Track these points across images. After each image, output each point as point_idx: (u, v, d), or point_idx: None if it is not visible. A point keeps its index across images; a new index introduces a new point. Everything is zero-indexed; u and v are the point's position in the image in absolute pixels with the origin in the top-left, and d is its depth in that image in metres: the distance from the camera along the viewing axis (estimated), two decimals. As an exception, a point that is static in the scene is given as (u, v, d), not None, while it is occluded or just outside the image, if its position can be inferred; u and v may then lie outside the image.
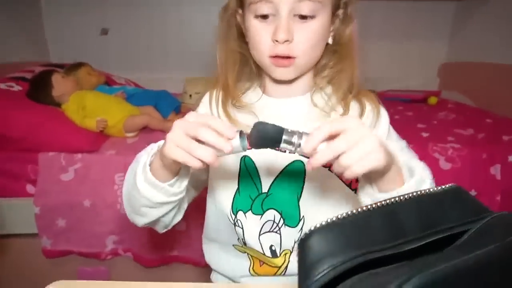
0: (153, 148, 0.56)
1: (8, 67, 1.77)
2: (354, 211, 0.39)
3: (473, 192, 1.41)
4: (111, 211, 1.34)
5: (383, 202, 0.40)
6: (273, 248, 0.65)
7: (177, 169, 0.52)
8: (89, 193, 1.34)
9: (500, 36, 2.01)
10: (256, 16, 0.57)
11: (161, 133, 1.59)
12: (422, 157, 1.44)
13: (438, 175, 1.47)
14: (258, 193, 0.65)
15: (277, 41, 0.56)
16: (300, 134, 0.44)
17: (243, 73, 0.68)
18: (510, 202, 1.43)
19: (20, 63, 1.91)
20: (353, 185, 0.62)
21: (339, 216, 0.37)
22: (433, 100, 2.20)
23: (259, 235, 0.65)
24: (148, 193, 0.53)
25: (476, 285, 0.33)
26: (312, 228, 0.36)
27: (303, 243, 0.36)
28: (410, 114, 1.96)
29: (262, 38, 0.58)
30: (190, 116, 0.46)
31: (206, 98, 0.70)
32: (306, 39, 0.57)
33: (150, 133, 1.58)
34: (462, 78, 2.32)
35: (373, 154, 0.41)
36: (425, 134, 1.57)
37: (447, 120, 1.82)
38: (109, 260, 1.39)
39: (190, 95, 2.01)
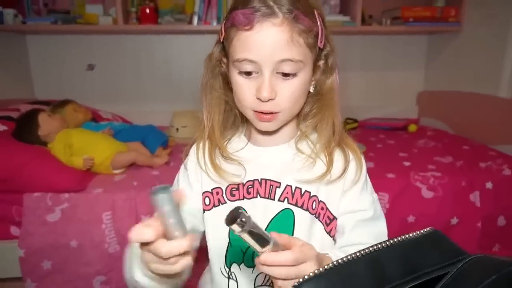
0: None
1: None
2: (340, 260, 0.41)
3: (455, 220, 1.46)
4: (98, 250, 1.33)
5: (366, 250, 0.42)
6: None
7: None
8: (76, 233, 1.32)
9: (471, 66, 2.13)
10: (240, 73, 0.59)
11: (149, 168, 1.60)
12: (404, 186, 1.49)
13: (421, 203, 1.51)
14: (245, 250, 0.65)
15: (260, 99, 0.58)
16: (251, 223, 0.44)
17: (228, 120, 0.69)
18: (490, 228, 1.48)
19: (5, 101, 1.91)
20: (332, 232, 0.64)
21: (326, 267, 0.40)
22: (412, 127, 2.28)
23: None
24: (145, 284, 0.52)
25: None
26: (301, 280, 0.39)
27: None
28: (391, 142, 2.03)
29: (246, 94, 0.59)
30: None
31: (193, 150, 0.70)
32: (289, 95, 0.59)
33: (138, 169, 1.58)
34: (439, 106, 2.42)
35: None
36: (406, 163, 1.62)
37: (427, 148, 1.89)
38: (96, 302, 1.36)
39: (177, 129, 2.03)
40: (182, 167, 0.72)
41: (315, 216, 0.63)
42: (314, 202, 0.63)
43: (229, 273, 0.67)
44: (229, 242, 0.66)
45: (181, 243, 0.40)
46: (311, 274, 0.39)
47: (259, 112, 0.59)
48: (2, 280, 1.32)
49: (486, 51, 2.01)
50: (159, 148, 1.75)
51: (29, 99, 2.15)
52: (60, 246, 1.31)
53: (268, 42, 0.55)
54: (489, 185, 1.49)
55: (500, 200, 1.49)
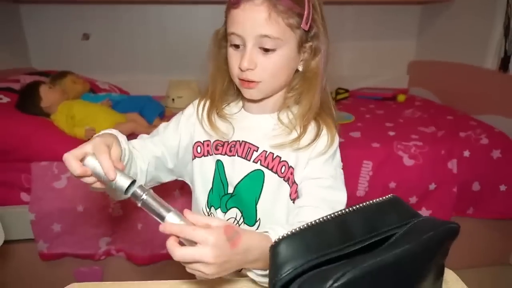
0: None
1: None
2: (313, 221, 0.51)
3: (433, 185, 1.58)
4: (103, 214, 1.44)
5: (335, 213, 0.52)
6: None
7: None
8: (82, 198, 1.42)
9: (462, 37, 2.18)
10: (231, 45, 0.68)
11: (147, 138, 1.68)
12: (387, 155, 1.59)
13: (402, 171, 1.62)
14: (224, 192, 0.76)
15: (240, 68, 0.67)
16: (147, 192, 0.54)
17: (230, 88, 0.78)
18: (465, 193, 1.60)
19: (4, 71, 1.95)
20: (291, 195, 0.73)
21: (301, 227, 0.50)
22: (401, 97, 2.36)
23: None
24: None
25: (394, 277, 0.46)
26: (280, 237, 0.48)
27: (273, 249, 0.48)
28: (380, 112, 2.11)
29: (233, 64, 0.69)
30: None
31: (194, 104, 0.80)
32: (267, 68, 0.67)
33: (137, 139, 1.66)
34: (429, 76, 2.48)
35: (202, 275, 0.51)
36: (391, 133, 1.71)
37: (412, 118, 1.97)
38: (103, 260, 1.49)
39: (173, 99, 2.10)
40: (179, 112, 0.82)
41: (283, 179, 0.72)
42: (284, 167, 0.71)
43: (209, 213, 0.78)
44: (212, 188, 0.77)
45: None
46: (288, 233, 0.49)
47: (242, 79, 0.69)
48: (16, 241, 1.43)
49: (475, 22, 2.05)
50: (156, 119, 1.82)
51: (26, 69, 2.19)
52: (67, 211, 1.42)
53: (249, 19, 0.64)
54: (466, 153, 1.60)
55: (476, 167, 1.61)
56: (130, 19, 2.38)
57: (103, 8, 2.32)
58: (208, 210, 0.78)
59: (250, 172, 0.73)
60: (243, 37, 0.66)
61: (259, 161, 0.73)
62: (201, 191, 0.79)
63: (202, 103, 0.78)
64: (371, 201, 0.56)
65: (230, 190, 0.76)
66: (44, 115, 1.57)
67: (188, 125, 0.79)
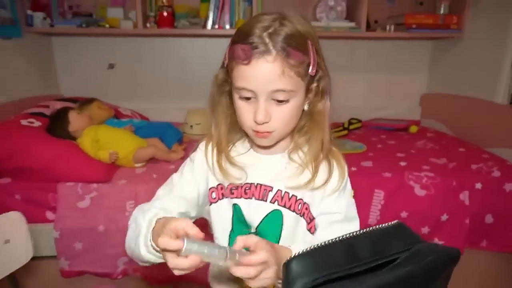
0: (149, 221, 0.64)
1: (24, 102, 1.95)
2: (322, 243, 0.56)
3: (445, 216, 1.59)
4: (122, 235, 1.48)
5: (343, 236, 0.57)
6: None
7: None
8: (103, 219, 1.49)
9: (472, 72, 2.24)
10: (241, 98, 0.68)
11: (166, 162, 1.76)
12: (399, 185, 1.62)
13: (414, 200, 1.64)
14: (248, 232, 0.77)
15: (256, 122, 0.67)
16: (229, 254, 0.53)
17: (234, 126, 0.77)
18: (478, 225, 1.61)
19: (34, 97, 2.09)
20: (311, 230, 0.76)
21: (312, 247, 0.54)
22: (413, 128, 2.40)
23: None
24: (149, 258, 0.64)
25: None
26: (292, 255, 0.53)
27: (286, 265, 0.53)
28: (392, 142, 2.15)
29: (245, 116, 0.69)
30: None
31: (202, 149, 0.80)
32: (282, 118, 0.68)
33: (157, 163, 1.75)
34: (441, 108, 2.53)
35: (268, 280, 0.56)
36: (403, 163, 1.75)
37: (424, 150, 2.01)
38: (120, 279, 1.53)
39: (191, 126, 2.19)
40: (188, 159, 0.82)
41: (300, 215, 0.75)
42: (300, 204, 0.75)
43: None
44: (232, 228, 0.79)
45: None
46: (300, 252, 0.54)
47: (256, 131, 0.69)
48: (39, 258, 1.50)
49: (485, 57, 2.12)
50: (175, 144, 1.91)
51: (56, 96, 2.34)
52: (89, 230, 1.49)
53: (262, 76, 0.64)
54: (478, 185, 1.62)
55: (488, 199, 1.62)
56: (152, 51, 2.52)
57: (127, 40, 2.48)
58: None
59: (269, 213, 0.76)
60: (255, 91, 0.66)
61: (276, 201, 0.75)
62: (220, 233, 0.81)
63: (209, 149, 0.78)
64: (377, 226, 0.61)
65: (253, 230, 0.77)
66: (71, 139, 1.67)
67: (201, 173, 0.79)
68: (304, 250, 0.53)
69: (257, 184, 0.76)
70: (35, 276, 1.53)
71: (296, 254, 0.53)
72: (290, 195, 0.75)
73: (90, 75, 2.52)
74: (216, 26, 2.29)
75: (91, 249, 1.50)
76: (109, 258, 1.50)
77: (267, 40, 0.63)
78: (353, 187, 0.79)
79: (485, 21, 2.12)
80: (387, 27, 2.29)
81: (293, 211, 0.75)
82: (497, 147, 1.93)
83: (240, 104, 0.69)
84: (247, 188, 0.76)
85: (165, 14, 2.23)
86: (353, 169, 1.65)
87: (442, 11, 2.29)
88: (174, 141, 1.91)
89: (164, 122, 2.10)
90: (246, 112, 0.69)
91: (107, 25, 2.21)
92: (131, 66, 2.54)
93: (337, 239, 0.56)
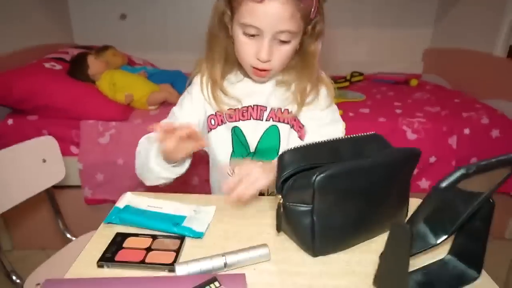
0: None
1: (41, 49, 2.06)
2: (311, 143, 0.70)
3: (433, 158, 1.73)
4: (139, 168, 1.67)
5: (329, 139, 0.70)
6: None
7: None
8: (122, 153, 1.66)
9: (474, 26, 2.28)
10: (245, 33, 0.70)
11: (178, 106, 1.90)
12: (392, 130, 1.74)
13: (405, 143, 1.78)
14: (247, 152, 0.86)
15: (259, 59, 0.71)
16: None
17: (228, 58, 0.80)
18: (463, 166, 1.75)
19: (52, 45, 2.20)
20: (301, 137, 0.88)
21: (302, 145, 0.68)
22: (414, 82, 2.49)
23: None
24: (159, 173, 0.75)
25: (364, 177, 0.62)
26: (286, 149, 0.67)
27: (280, 156, 0.67)
28: (391, 94, 2.26)
29: (247, 52, 0.72)
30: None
31: (197, 80, 0.85)
32: (281, 58, 0.73)
33: (169, 107, 1.86)
34: (442, 63, 2.59)
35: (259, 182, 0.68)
36: (398, 111, 1.87)
37: (421, 100, 2.11)
38: (138, 207, 1.72)
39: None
40: (185, 92, 0.88)
41: (290, 127, 0.86)
42: (288, 115, 0.85)
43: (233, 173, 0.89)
44: (232, 151, 0.87)
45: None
46: (292, 147, 0.68)
47: (256, 68, 0.74)
48: (65, 187, 1.68)
49: (487, 11, 2.16)
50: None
51: (70, 44, 2.44)
52: (109, 163, 1.66)
53: (273, 15, 0.66)
54: (466, 131, 1.74)
55: (475, 144, 1.75)
56: (163, 2, 2.59)
57: (139, -9, 2.54)
58: (232, 171, 0.88)
59: (266, 129, 0.84)
60: (262, 29, 0.68)
61: (271, 118, 0.84)
62: (222, 157, 0.88)
63: (204, 81, 0.82)
64: (357, 135, 0.75)
65: (252, 149, 0.86)
66: (90, 81, 1.80)
67: (199, 103, 0.84)
68: (296, 146, 0.67)
69: (254, 105, 0.84)
70: (63, 203, 1.72)
71: (289, 148, 0.67)
72: (283, 110, 0.85)
73: (102, 25, 2.61)
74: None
75: (111, 180, 1.67)
76: (127, 188, 1.67)
77: None
78: (348, 131, 0.88)
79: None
80: (394, -20, 2.31)
81: (287, 123, 0.86)
82: (492, 98, 2.02)
83: (243, 40, 0.72)
84: (244, 111, 0.84)
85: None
86: (351, 114, 1.77)
87: (449, -36, 2.29)
88: (185, 87, 2.03)
89: (175, 70, 2.21)
90: (248, 49, 0.72)
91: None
92: (143, 17, 2.62)
93: (323, 141, 0.70)
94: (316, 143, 0.69)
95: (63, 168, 1.25)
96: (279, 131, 0.87)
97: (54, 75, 1.72)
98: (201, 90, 0.83)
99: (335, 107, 0.90)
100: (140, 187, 1.68)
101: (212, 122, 0.86)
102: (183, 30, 2.66)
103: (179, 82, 2.04)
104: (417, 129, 1.73)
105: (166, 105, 1.90)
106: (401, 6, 2.65)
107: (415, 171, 1.75)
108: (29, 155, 1.12)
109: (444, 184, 0.44)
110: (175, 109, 0.88)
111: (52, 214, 1.27)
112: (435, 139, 1.72)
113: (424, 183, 1.75)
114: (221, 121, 0.85)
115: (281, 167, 0.67)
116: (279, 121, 0.86)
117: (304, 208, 0.61)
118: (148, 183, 0.82)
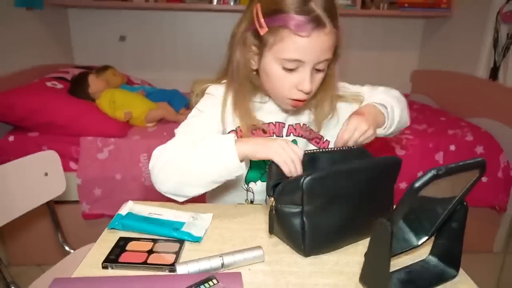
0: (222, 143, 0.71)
1: (42, 69, 2.12)
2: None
3: (420, 173, 1.78)
4: (136, 183, 1.71)
5: (310, 150, 0.76)
6: None
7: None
8: (120, 169, 1.70)
9: (458, 49, 2.40)
10: (284, 68, 0.71)
11: (175, 123, 1.96)
12: (382, 146, 1.80)
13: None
14: (265, 167, 0.85)
15: (301, 90, 0.72)
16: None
17: (251, 84, 0.81)
18: (450, 181, 1.81)
19: (53, 65, 2.27)
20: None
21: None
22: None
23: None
24: (236, 163, 0.70)
25: (348, 180, 0.68)
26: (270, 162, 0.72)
27: (269, 166, 0.72)
28: (381, 113, 2.34)
29: (285, 85, 0.73)
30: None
31: (216, 92, 0.84)
32: (317, 85, 0.75)
33: (166, 124, 1.95)
34: (429, 84, 2.70)
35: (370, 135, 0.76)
36: (387, 128, 1.94)
37: (409, 118, 2.19)
38: (134, 222, 1.75)
39: (197, 94, 2.38)
40: (196, 111, 0.85)
41: (307, 141, 0.88)
42: (306, 130, 0.87)
43: (248, 188, 0.89)
44: (250, 167, 0.88)
45: None
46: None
47: (295, 99, 0.75)
48: (63, 202, 1.71)
49: (470, 35, 2.28)
50: (183, 108, 2.10)
51: (72, 64, 2.52)
52: (108, 178, 1.70)
53: (319, 48, 0.68)
54: (452, 147, 1.82)
55: (460, 160, 1.81)
56: (161, 25, 2.70)
57: (138, 14, 2.65)
58: (247, 185, 0.89)
59: None
60: (305, 62, 0.69)
61: (291, 133, 0.86)
62: None
63: (228, 103, 0.81)
64: (342, 147, 0.80)
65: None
66: (90, 100, 1.86)
67: (215, 119, 0.82)
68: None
69: (276, 122, 0.85)
70: (61, 218, 1.74)
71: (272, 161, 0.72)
72: (301, 124, 0.87)
73: (102, 46, 2.69)
74: (222, 2, 2.45)
75: (109, 195, 1.71)
76: (124, 202, 1.71)
77: (322, 12, 0.67)
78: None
79: (471, 1, 2.27)
80: (381, 6, 2.45)
81: (304, 137, 0.88)
82: (476, 117, 2.11)
83: (281, 74, 0.72)
84: (265, 127, 0.84)
85: (173, -11, 2.39)
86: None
87: (432, -9, 2.44)
88: (182, 105, 2.10)
89: (172, 89, 2.28)
90: (286, 82, 0.72)
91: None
92: (141, 39, 2.71)
93: (305, 152, 0.75)
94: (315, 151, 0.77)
95: (64, 181, 1.29)
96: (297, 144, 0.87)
97: (55, 93, 1.78)
98: (223, 106, 0.82)
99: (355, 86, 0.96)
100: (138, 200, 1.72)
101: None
102: (180, 52, 2.76)
103: (176, 100, 2.12)
104: (405, 145, 1.80)
105: (163, 123, 1.96)
106: (388, 29, 2.78)
107: (404, 186, 1.82)
108: (31, 169, 1.16)
109: (417, 184, 0.50)
110: (188, 128, 0.82)
111: (49, 229, 1.31)
112: (422, 155, 1.80)
113: (414, 198, 1.81)
114: (241, 137, 0.83)
115: (270, 174, 0.73)
116: (298, 136, 0.88)
117: (294, 210, 0.66)
118: (189, 193, 0.76)
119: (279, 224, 0.70)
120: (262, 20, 0.70)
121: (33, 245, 1.75)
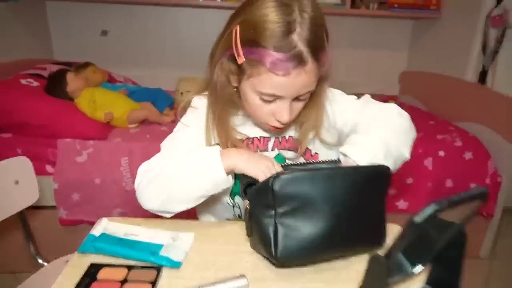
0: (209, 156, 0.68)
1: (19, 64, 2.01)
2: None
3: (410, 180, 1.77)
4: (117, 187, 1.63)
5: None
6: None
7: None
8: (99, 172, 1.62)
9: (447, 51, 2.39)
10: (261, 99, 0.69)
11: (158, 125, 1.88)
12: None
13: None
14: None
15: (280, 121, 0.70)
16: None
17: (234, 102, 0.77)
18: (439, 189, 1.80)
19: (30, 60, 2.16)
20: (314, 157, 0.86)
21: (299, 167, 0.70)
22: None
23: None
24: (222, 177, 0.67)
25: (322, 183, 0.62)
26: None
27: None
28: (369, 115, 2.31)
29: (263, 113, 0.71)
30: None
31: (200, 105, 0.80)
32: (298, 112, 0.72)
33: (149, 125, 1.87)
34: (418, 85, 2.69)
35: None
36: (376, 132, 1.91)
37: (398, 121, 2.17)
38: (114, 228, 1.68)
39: (182, 93, 2.30)
40: (182, 126, 0.80)
41: (295, 153, 0.82)
42: (293, 141, 0.82)
43: (234, 203, 0.85)
44: (235, 183, 0.79)
45: None
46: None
47: (273, 126, 0.73)
48: (39, 207, 1.63)
49: (459, 37, 2.27)
50: (167, 109, 2.03)
51: (49, 60, 2.40)
52: (86, 182, 1.62)
53: (299, 85, 0.66)
54: (441, 153, 1.80)
55: (449, 166, 1.80)
56: (145, 19, 2.60)
57: (121, 8, 2.54)
58: (232, 200, 0.85)
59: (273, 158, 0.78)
60: (284, 97, 0.67)
61: (276, 148, 0.82)
62: None
63: (210, 120, 0.78)
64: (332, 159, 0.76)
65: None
66: (68, 99, 1.77)
67: (200, 132, 0.79)
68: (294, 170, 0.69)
69: (261, 137, 0.82)
70: (37, 224, 1.66)
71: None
72: (287, 137, 0.83)
73: (83, 41, 2.58)
74: (208, -2, 2.37)
75: (88, 200, 1.63)
76: (104, 208, 1.64)
77: (303, 48, 0.62)
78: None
79: (461, 3, 2.25)
80: (371, 6, 2.41)
81: (292, 150, 0.83)
82: (464, 121, 2.10)
83: (258, 103, 0.70)
84: (249, 143, 0.81)
85: (158, -17, 2.29)
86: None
87: (423, -8, 2.41)
88: (166, 105, 2.03)
89: (156, 88, 2.20)
90: (264, 110, 0.71)
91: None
92: (125, 34, 2.61)
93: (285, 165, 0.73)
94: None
95: (36, 190, 1.21)
96: (284, 159, 0.84)
97: (30, 92, 1.69)
98: (206, 121, 0.78)
99: (353, 97, 0.88)
100: (118, 207, 1.65)
101: None
102: (165, 47, 2.67)
103: (160, 100, 2.04)
104: (394, 150, 1.77)
105: (146, 124, 1.88)
106: (377, 29, 2.75)
107: (393, 192, 1.80)
108: (0, 177, 1.08)
109: (418, 220, 0.45)
110: (172, 144, 0.79)
111: (23, 239, 1.22)
112: (411, 160, 1.75)
113: (402, 204, 1.79)
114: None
115: (242, 176, 0.70)
116: (284, 149, 0.84)
117: (267, 213, 0.62)
118: (177, 209, 0.73)
119: (253, 228, 0.66)
120: (240, 48, 0.66)
121: (7, 254, 1.66)
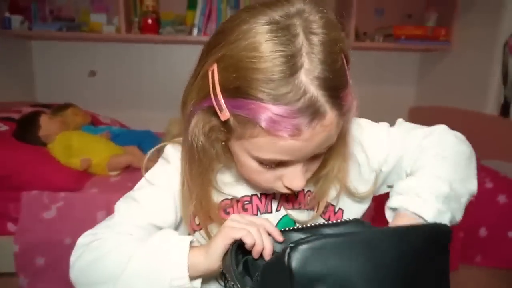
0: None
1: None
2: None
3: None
4: (91, 249, 1.37)
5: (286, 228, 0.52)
6: None
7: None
8: (71, 231, 1.37)
9: (461, 84, 2.21)
10: (261, 164, 0.47)
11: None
12: (382, 198, 1.54)
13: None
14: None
15: (290, 188, 0.49)
16: None
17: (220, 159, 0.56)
18: (472, 238, 1.54)
19: (8, 103, 1.98)
20: (332, 217, 0.64)
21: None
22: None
23: None
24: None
25: (364, 253, 0.39)
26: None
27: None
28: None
29: (265, 179, 0.49)
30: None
31: (177, 160, 0.57)
32: (315, 170, 0.52)
33: (133, 172, 1.63)
34: (430, 121, 2.47)
35: None
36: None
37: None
38: (87, 299, 1.39)
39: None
40: (146, 183, 0.58)
41: (309, 211, 0.60)
42: (309, 197, 0.59)
43: (225, 281, 0.61)
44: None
45: None
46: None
47: (279, 191, 0.52)
48: (-3, 275, 1.36)
49: (474, 69, 2.10)
50: (155, 153, 1.81)
51: (32, 102, 2.23)
52: (54, 243, 1.36)
53: (314, 145, 0.44)
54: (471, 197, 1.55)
55: (481, 211, 1.55)
56: (135, 58, 2.45)
57: (110, 47, 2.40)
58: (225, 280, 0.63)
59: (277, 223, 0.59)
60: (295, 161, 0.47)
61: (282, 206, 0.59)
62: None
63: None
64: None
65: None
66: (40, 144, 1.56)
67: (172, 195, 0.57)
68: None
69: (261, 194, 0.58)
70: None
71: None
72: (306, 191, 0.59)
73: (70, 82, 2.42)
74: (202, 34, 2.23)
75: (55, 265, 1.36)
76: (75, 274, 1.37)
77: (316, 93, 0.41)
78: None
79: (473, 33, 2.11)
80: (376, 38, 2.27)
81: (305, 208, 0.60)
82: (488, 159, 1.88)
83: (257, 168, 0.48)
84: (245, 202, 0.58)
85: (149, 21, 2.16)
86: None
87: (430, 23, 2.28)
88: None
89: (145, 130, 2.00)
90: (266, 176, 0.49)
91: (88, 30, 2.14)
92: (113, 74, 2.45)
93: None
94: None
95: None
96: (294, 222, 0.60)
97: (-5, 138, 1.47)
98: (181, 183, 0.56)
99: (381, 126, 0.70)
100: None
101: (197, 221, 0.58)
102: (156, 88, 2.50)
103: (148, 143, 1.81)
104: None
105: (130, 171, 1.65)
106: (383, 63, 2.60)
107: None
108: None
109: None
110: (136, 206, 0.56)
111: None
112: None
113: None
114: (209, 218, 0.57)
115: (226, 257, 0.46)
116: (293, 208, 0.60)
117: None
118: None
119: None
120: (221, 99, 0.43)
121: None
